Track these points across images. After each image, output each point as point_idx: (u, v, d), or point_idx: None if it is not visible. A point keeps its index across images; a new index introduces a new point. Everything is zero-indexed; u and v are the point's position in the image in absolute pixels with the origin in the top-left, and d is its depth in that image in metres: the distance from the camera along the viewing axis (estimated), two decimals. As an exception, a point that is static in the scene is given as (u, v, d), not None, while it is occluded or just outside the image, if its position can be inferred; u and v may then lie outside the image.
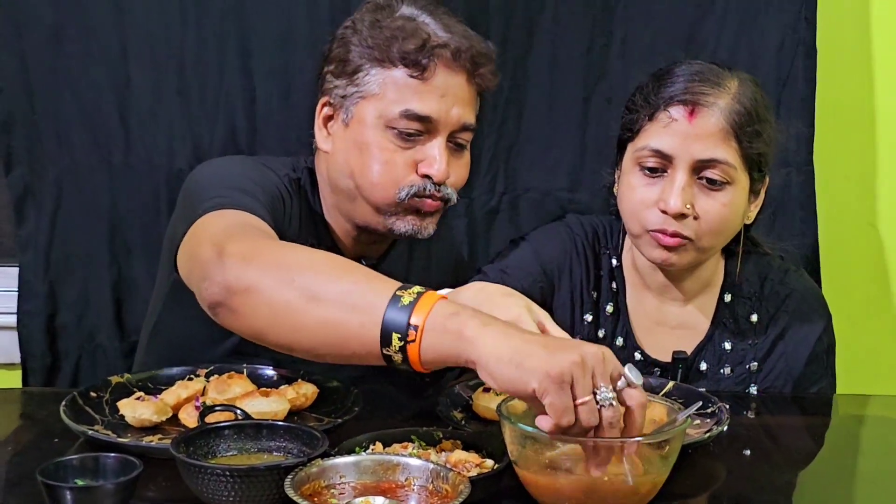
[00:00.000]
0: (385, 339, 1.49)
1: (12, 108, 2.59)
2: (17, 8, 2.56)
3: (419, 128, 2.01)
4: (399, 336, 1.48)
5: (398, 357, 1.49)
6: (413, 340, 1.47)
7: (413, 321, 1.47)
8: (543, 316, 1.64)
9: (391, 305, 1.49)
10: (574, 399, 1.40)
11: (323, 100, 2.10)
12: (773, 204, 2.67)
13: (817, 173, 2.69)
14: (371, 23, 2.04)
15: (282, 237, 1.84)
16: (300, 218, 2.12)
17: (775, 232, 2.63)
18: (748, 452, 1.85)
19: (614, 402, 1.42)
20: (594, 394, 1.42)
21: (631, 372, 1.45)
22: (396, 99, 2.00)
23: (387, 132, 2.01)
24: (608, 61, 2.64)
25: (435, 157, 2.01)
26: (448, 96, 2.00)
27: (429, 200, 2.03)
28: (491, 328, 1.45)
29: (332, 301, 1.52)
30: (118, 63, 2.60)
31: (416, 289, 1.51)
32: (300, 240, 1.99)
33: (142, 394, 1.84)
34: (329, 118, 2.10)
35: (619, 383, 1.45)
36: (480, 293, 1.69)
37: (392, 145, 2.01)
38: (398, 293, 1.50)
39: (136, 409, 1.80)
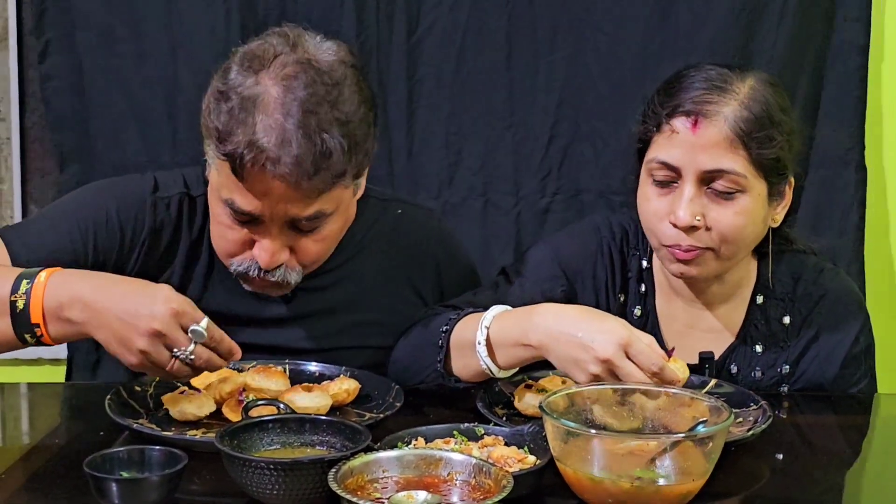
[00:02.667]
0: (22, 339, 1.78)
1: (65, 106, 2.64)
2: (70, 8, 2.61)
3: (244, 217, 1.92)
4: (30, 335, 1.76)
5: (40, 345, 1.79)
6: (41, 335, 1.76)
7: (35, 320, 1.75)
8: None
9: (14, 313, 1.75)
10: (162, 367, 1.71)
11: None
12: (821, 202, 2.66)
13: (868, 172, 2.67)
14: (214, 92, 1.91)
15: (121, 259, 2.02)
16: (194, 238, 2.08)
17: (823, 230, 2.62)
18: (787, 452, 1.83)
19: (191, 358, 1.71)
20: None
21: (196, 328, 1.72)
22: (224, 185, 1.91)
23: (225, 209, 1.93)
24: (664, 61, 2.63)
25: (263, 246, 1.93)
26: (270, 196, 1.86)
27: (257, 280, 1.98)
28: (93, 304, 1.73)
29: None
30: (167, 62, 2.63)
31: (24, 286, 1.76)
32: (187, 253, 2.07)
33: (185, 388, 1.86)
34: None
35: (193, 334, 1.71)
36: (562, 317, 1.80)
37: (228, 220, 1.94)
38: (13, 298, 1.75)
39: (179, 403, 1.81)
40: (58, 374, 2.73)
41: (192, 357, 1.72)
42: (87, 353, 2.62)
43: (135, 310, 1.71)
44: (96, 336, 1.75)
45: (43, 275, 1.77)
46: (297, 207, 1.89)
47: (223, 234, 1.97)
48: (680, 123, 1.96)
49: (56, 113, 2.65)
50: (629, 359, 1.72)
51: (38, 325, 1.75)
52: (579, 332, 1.75)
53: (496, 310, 1.90)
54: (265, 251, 1.93)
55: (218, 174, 1.93)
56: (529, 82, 2.71)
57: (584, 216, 2.63)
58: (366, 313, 2.16)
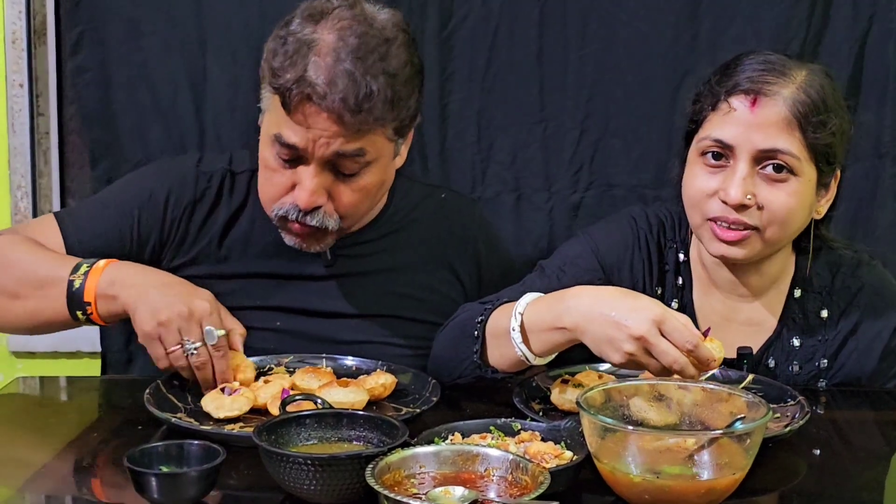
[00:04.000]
0: (74, 315, 1.96)
1: (94, 102, 2.63)
2: (98, 1, 2.59)
3: (289, 154, 2.00)
4: (81, 312, 1.95)
5: (90, 324, 1.99)
6: (91, 313, 1.94)
7: (87, 298, 1.93)
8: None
9: (70, 291, 1.94)
10: (166, 348, 1.86)
11: None
12: (863, 194, 2.64)
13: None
14: (275, 37, 2.02)
15: (163, 233, 2.15)
16: (234, 209, 2.17)
17: (861, 223, 2.60)
18: (824, 447, 1.83)
19: (194, 352, 1.86)
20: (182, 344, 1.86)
21: (211, 331, 1.87)
22: (275, 122, 2.00)
23: (273, 149, 2.02)
24: (695, 54, 2.61)
25: (303, 185, 2.00)
26: (314, 129, 1.95)
27: (296, 225, 2.04)
28: (140, 286, 1.92)
29: (28, 296, 1.99)
30: (196, 57, 2.62)
31: (84, 267, 1.95)
32: (224, 225, 2.17)
33: (225, 386, 1.86)
34: None
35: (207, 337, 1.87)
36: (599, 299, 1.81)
37: (275, 163, 2.02)
38: (71, 277, 1.94)
39: (219, 403, 1.82)
40: (97, 368, 2.74)
41: (195, 351, 1.86)
42: (118, 350, 2.64)
43: (174, 292, 1.91)
44: (128, 306, 1.92)
45: (102, 262, 1.97)
46: (339, 143, 1.96)
47: (268, 178, 2.05)
48: (738, 101, 1.97)
49: (87, 108, 2.66)
50: (664, 336, 1.72)
51: (89, 304, 1.93)
52: (613, 312, 1.75)
53: (529, 297, 1.90)
54: (305, 190, 1.99)
55: (269, 112, 2.02)
56: (560, 77, 2.69)
57: (616, 211, 2.61)
58: (402, 286, 2.20)
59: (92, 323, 1.98)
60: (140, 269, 2.00)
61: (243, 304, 2.11)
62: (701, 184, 2.00)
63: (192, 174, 2.16)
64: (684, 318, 1.75)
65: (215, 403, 1.81)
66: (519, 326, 1.86)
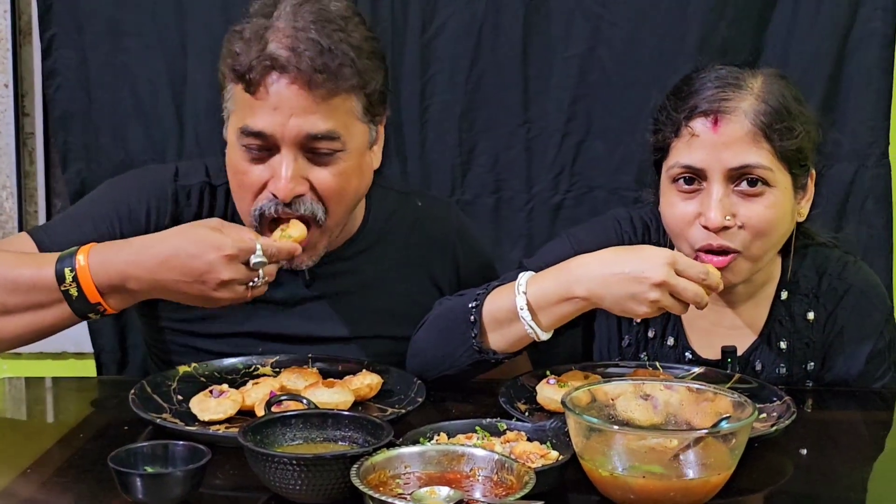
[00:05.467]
0: (89, 319, 1.89)
1: (70, 102, 2.61)
2: (77, 1, 2.58)
3: (259, 144, 1.93)
4: (94, 313, 1.87)
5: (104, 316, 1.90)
6: (105, 310, 1.86)
7: (94, 300, 1.85)
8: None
9: (72, 303, 1.85)
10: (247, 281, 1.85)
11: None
12: (843, 197, 2.65)
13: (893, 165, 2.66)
14: (230, 33, 1.98)
15: None
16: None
17: (845, 224, 2.61)
18: (811, 447, 1.83)
19: (264, 259, 1.83)
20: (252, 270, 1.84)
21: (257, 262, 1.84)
22: (240, 116, 1.95)
23: (241, 150, 1.96)
24: (681, 57, 2.61)
25: (278, 174, 1.93)
26: (282, 108, 1.90)
27: (285, 212, 1.96)
28: (147, 273, 1.84)
29: (21, 313, 1.87)
30: (176, 58, 2.61)
31: (68, 275, 1.83)
32: None
33: (213, 388, 1.86)
34: None
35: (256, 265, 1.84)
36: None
37: (245, 163, 1.96)
38: (63, 288, 1.84)
39: (205, 406, 1.81)
40: (82, 369, 2.73)
41: (266, 279, 1.86)
42: (112, 351, 2.63)
43: (194, 269, 1.83)
44: (166, 297, 1.89)
45: (81, 258, 1.85)
46: (310, 122, 1.91)
47: (240, 181, 1.98)
48: (699, 125, 1.96)
49: (60, 109, 2.63)
50: (679, 275, 1.77)
51: (99, 304, 1.86)
52: (627, 268, 1.79)
53: (526, 275, 1.91)
54: (282, 178, 1.92)
55: (234, 111, 1.97)
56: (543, 79, 2.69)
57: (596, 213, 2.62)
58: (384, 301, 2.17)
59: (106, 316, 1.91)
60: (123, 251, 1.87)
61: (222, 331, 2.09)
62: (679, 211, 1.99)
63: (171, 189, 2.08)
64: (682, 255, 1.82)
65: (201, 406, 1.81)
66: (526, 304, 1.86)
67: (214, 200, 2.11)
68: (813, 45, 2.62)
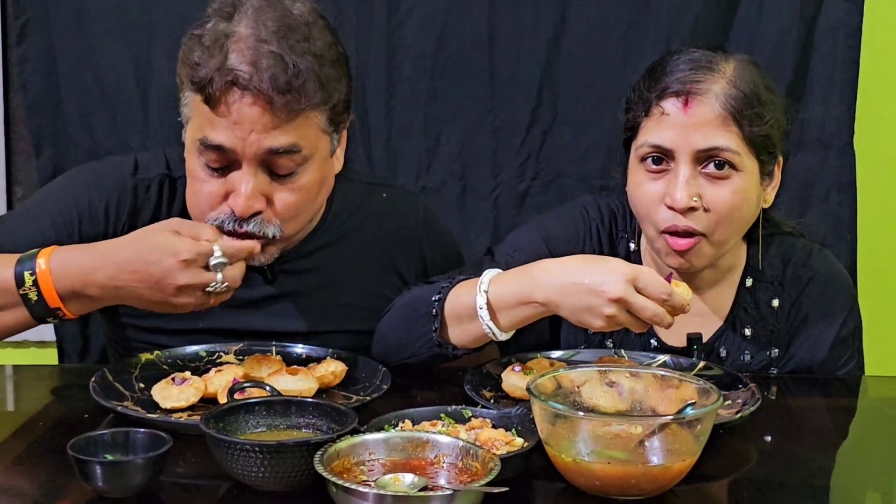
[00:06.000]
0: (48, 322, 1.87)
1: (40, 89, 2.60)
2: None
3: (218, 159, 1.89)
4: (53, 318, 1.84)
5: (54, 321, 1.86)
6: (64, 315, 1.83)
7: (54, 305, 1.81)
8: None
9: (30, 307, 1.82)
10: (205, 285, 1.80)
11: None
12: (808, 185, 2.66)
13: (857, 155, 2.67)
14: (189, 37, 1.92)
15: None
16: (170, 214, 2.06)
17: (808, 213, 2.62)
18: (775, 434, 1.83)
19: (224, 260, 1.80)
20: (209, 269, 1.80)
21: (217, 264, 1.80)
22: (198, 126, 1.90)
23: (200, 159, 1.92)
24: (646, 45, 2.62)
25: (238, 191, 1.89)
26: (242, 124, 1.85)
27: (233, 237, 1.90)
28: (107, 280, 1.80)
29: None
30: (142, 46, 2.61)
31: (28, 279, 1.80)
32: None
33: (175, 375, 1.83)
34: None
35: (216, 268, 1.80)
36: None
37: (203, 174, 1.92)
38: (22, 292, 1.80)
39: (167, 394, 1.79)
40: (43, 357, 2.71)
41: (227, 284, 1.82)
42: (73, 339, 2.61)
43: (151, 275, 1.80)
44: (127, 304, 1.86)
45: (42, 262, 1.81)
46: (271, 137, 1.86)
47: (198, 189, 1.94)
48: (670, 105, 1.95)
49: (32, 95, 2.62)
50: (639, 293, 1.73)
51: (58, 309, 1.82)
52: (586, 279, 1.76)
53: (491, 273, 1.89)
54: (241, 195, 1.88)
55: (192, 119, 1.92)
56: (510, 66, 2.69)
57: (562, 201, 2.63)
58: (348, 297, 2.15)
59: (68, 320, 1.89)
60: (86, 256, 1.83)
61: (182, 328, 2.05)
62: (646, 191, 1.99)
63: (130, 184, 2.04)
64: (649, 270, 1.77)
65: (163, 394, 1.79)
66: (486, 304, 1.85)
67: (174, 193, 2.07)
68: (779, 34, 2.63)
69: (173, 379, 1.82)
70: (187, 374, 1.84)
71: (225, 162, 1.89)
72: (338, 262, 2.14)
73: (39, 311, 1.83)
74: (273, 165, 1.90)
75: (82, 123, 2.62)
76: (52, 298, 1.81)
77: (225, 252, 1.81)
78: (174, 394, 1.79)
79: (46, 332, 2.66)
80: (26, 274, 1.80)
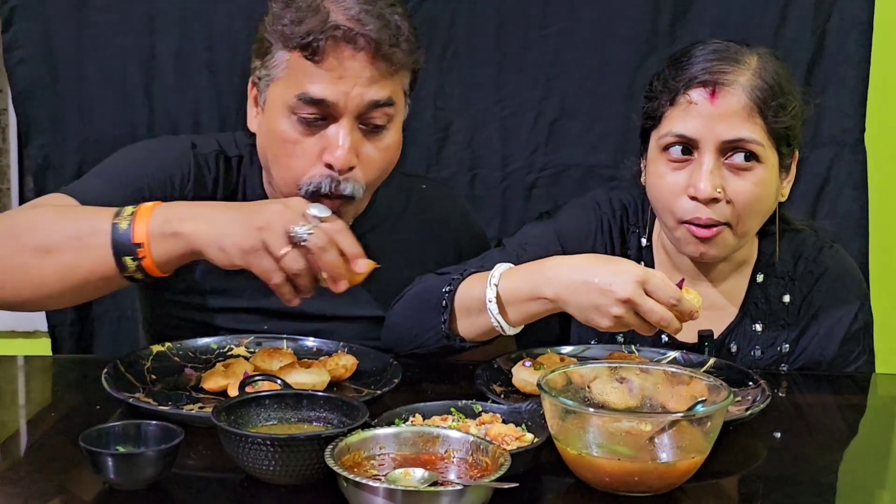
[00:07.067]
0: (121, 264, 1.70)
1: (34, 77, 2.58)
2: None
3: (317, 112, 1.93)
4: (132, 258, 1.70)
5: (139, 275, 1.72)
6: (144, 257, 1.69)
7: (137, 240, 1.69)
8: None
9: (115, 235, 1.69)
10: (276, 258, 1.65)
11: (250, 79, 2.06)
12: (821, 181, 2.66)
13: (868, 152, 2.66)
14: (277, 3, 1.98)
15: None
16: (227, 194, 2.10)
17: (820, 209, 2.62)
18: (785, 431, 1.83)
19: (310, 232, 1.65)
20: (290, 238, 1.65)
21: (316, 209, 1.67)
22: (295, 83, 1.93)
23: (291, 118, 1.95)
24: (657, 37, 2.62)
25: (336, 143, 1.93)
26: (347, 78, 1.91)
27: (325, 200, 1.92)
28: (205, 215, 1.70)
29: (63, 248, 1.71)
30: (145, 34, 2.59)
31: (128, 210, 1.71)
32: None
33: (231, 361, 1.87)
34: (257, 99, 2.06)
35: (312, 219, 1.66)
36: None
37: (295, 133, 1.95)
38: (115, 221, 1.70)
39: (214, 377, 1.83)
40: (35, 348, 2.70)
41: (308, 234, 1.65)
42: (70, 324, 2.61)
43: (249, 208, 1.72)
44: (207, 253, 1.69)
45: (149, 203, 1.74)
46: (373, 90, 1.92)
47: (290, 151, 1.96)
48: (697, 94, 1.96)
49: (22, 83, 2.60)
50: (648, 296, 1.73)
51: (140, 245, 1.69)
52: (595, 278, 1.75)
53: (502, 267, 1.89)
54: (341, 148, 1.92)
55: (282, 79, 1.95)
56: (519, 57, 2.69)
57: (571, 192, 2.63)
58: (385, 284, 2.15)
59: (140, 275, 1.72)
60: (196, 203, 1.84)
61: (231, 306, 2.09)
62: (668, 182, 1.99)
63: (191, 157, 2.08)
64: (661, 275, 1.76)
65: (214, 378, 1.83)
66: (495, 297, 1.85)
67: (229, 169, 2.12)
68: (792, 31, 2.62)
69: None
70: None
71: (323, 114, 1.93)
72: (378, 248, 2.14)
73: (121, 242, 1.69)
74: (368, 119, 1.95)
75: (83, 112, 2.60)
76: (140, 231, 1.69)
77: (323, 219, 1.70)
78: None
79: (39, 321, 2.65)
80: (129, 207, 1.73)
